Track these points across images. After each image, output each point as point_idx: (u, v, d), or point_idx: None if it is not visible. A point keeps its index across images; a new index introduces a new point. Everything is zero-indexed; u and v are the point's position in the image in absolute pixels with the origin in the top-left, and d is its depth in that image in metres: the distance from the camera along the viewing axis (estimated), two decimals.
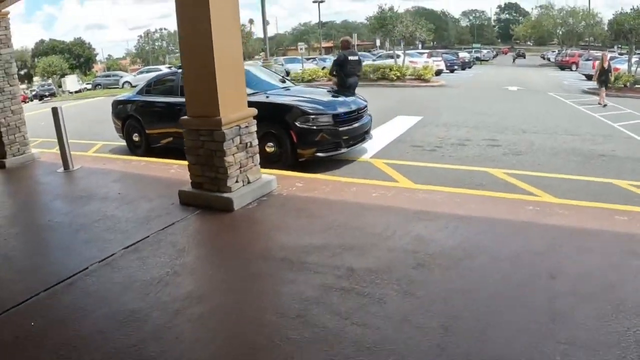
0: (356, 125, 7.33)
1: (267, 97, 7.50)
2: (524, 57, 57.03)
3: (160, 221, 4.95)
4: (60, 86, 47.23)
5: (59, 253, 4.63)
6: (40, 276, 3.97)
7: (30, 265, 4.34)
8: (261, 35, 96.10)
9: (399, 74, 20.37)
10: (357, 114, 7.42)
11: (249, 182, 5.44)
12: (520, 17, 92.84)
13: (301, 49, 29.46)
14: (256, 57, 50.65)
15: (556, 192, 5.28)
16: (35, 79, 63.50)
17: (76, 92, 44.58)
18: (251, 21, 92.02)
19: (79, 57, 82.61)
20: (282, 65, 33.33)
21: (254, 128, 5.47)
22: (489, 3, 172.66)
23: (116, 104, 9.89)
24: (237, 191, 5.23)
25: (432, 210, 4.60)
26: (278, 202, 5.25)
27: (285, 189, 5.63)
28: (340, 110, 7.16)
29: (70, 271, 3.95)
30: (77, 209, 5.90)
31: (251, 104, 7.12)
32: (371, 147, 8.03)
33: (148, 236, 4.59)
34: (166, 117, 8.49)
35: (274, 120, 6.92)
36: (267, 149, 6.97)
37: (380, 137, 8.83)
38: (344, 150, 7.07)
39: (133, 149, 9.50)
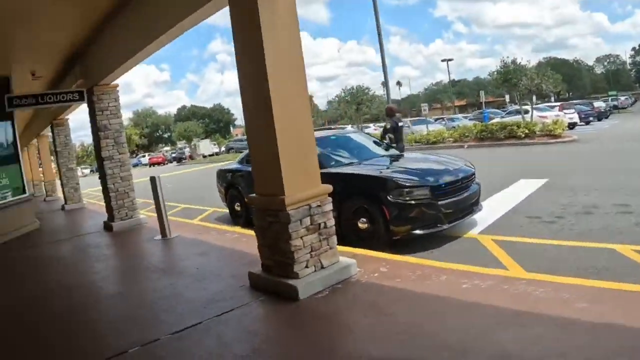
0: (460, 197, 6.41)
1: (359, 167, 6.94)
2: None
3: (221, 306, 4.60)
4: (195, 150, 51.30)
5: (108, 329, 4.55)
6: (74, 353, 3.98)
7: (70, 338, 4.39)
8: (395, 97, 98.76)
9: (527, 131, 18.68)
10: (460, 184, 6.51)
11: (322, 267, 4.82)
12: None
13: (424, 109, 28.85)
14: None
15: None
16: (179, 143, 69.72)
17: (210, 155, 47.95)
18: (383, 84, 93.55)
19: (218, 122, 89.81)
20: (409, 127, 32.91)
21: (329, 207, 4.91)
22: (624, 46, 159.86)
23: (220, 173, 10.01)
24: (305, 278, 4.64)
25: (530, 310, 3.56)
26: (351, 292, 4.55)
27: (366, 275, 4.91)
28: (440, 180, 6.31)
29: (105, 354, 3.83)
30: (151, 282, 5.95)
31: (339, 176, 6.67)
32: (482, 219, 6.99)
33: (201, 322, 4.26)
34: None
35: (365, 194, 6.34)
36: (360, 225, 6.35)
37: (495, 206, 7.75)
38: (445, 226, 6.15)
39: (235, 218, 9.47)
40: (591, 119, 32.06)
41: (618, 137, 19.19)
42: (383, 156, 7.86)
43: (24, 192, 11.51)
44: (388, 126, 10.31)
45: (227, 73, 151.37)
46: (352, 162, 7.30)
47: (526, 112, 23.20)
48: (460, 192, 6.44)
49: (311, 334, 3.92)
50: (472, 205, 6.67)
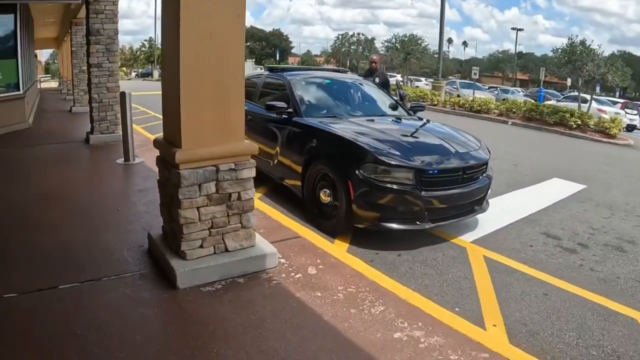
0: (457, 190, 4.80)
1: (340, 123, 5.41)
2: None
3: (98, 270, 3.60)
4: None
5: None
6: None
7: None
8: (458, 57, 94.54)
9: (579, 122, 16.34)
10: (462, 174, 4.87)
11: (226, 251, 3.52)
12: None
13: (475, 72, 26.42)
14: (450, 77, 48.15)
15: None
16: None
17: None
18: (450, 40, 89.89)
19: (275, 47, 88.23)
20: (457, 89, 30.69)
21: (249, 173, 3.52)
22: None
23: None
24: (195, 261, 3.39)
25: None
26: (248, 297, 3.26)
27: (285, 272, 3.61)
28: (432, 164, 4.69)
29: None
30: (66, 216, 5.01)
31: (312, 130, 5.24)
32: (486, 221, 5.46)
33: (56, 287, 3.27)
34: None
35: (333, 159, 4.87)
36: (322, 197, 4.95)
37: (510, 207, 6.18)
38: (427, 226, 4.62)
39: None
40: None
41: None
42: (383, 115, 6.25)
43: (17, 89, 10.78)
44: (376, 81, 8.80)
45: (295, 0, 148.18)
46: (339, 116, 5.76)
47: (584, 101, 20.58)
48: (459, 184, 4.83)
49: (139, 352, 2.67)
50: (472, 204, 5.10)
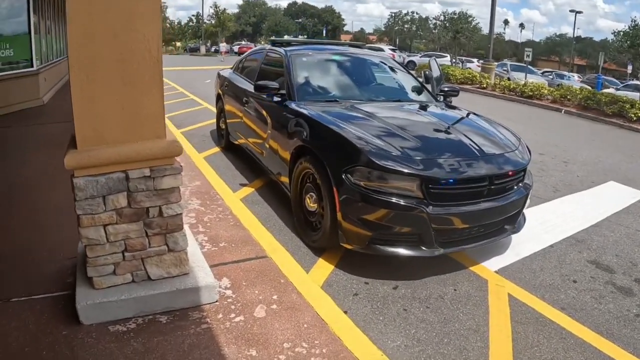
0: (480, 206, 3.67)
1: (338, 109, 4.42)
2: None
3: (7, 287, 2.87)
4: None
5: None
6: None
7: None
8: (515, 39, 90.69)
9: None
10: (489, 185, 3.72)
11: (148, 279, 2.64)
12: None
13: (527, 55, 24.60)
14: (505, 60, 45.69)
15: None
16: (286, 36, 68.53)
17: None
18: (506, 22, 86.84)
19: (327, 24, 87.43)
20: (508, 71, 28.73)
21: (172, 182, 2.59)
22: None
23: (218, 77, 7.74)
24: (104, 291, 2.59)
25: None
26: (159, 347, 2.41)
27: (222, 312, 2.74)
28: (446, 171, 3.56)
29: None
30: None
31: (305, 118, 4.26)
32: (521, 239, 4.38)
33: None
34: (238, 106, 6.08)
35: (319, 158, 3.83)
36: (309, 202, 4.02)
37: (554, 221, 5.08)
38: (436, 252, 3.53)
39: (219, 137, 7.42)
40: None
41: None
42: (401, 101, 5.13)
43: (30, 66, 10.33)
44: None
45: None
46: (343, 102, 4.68)
47: None
48: (484, 197, 3.71)
49: None
50: (502, 222, 3.98)
